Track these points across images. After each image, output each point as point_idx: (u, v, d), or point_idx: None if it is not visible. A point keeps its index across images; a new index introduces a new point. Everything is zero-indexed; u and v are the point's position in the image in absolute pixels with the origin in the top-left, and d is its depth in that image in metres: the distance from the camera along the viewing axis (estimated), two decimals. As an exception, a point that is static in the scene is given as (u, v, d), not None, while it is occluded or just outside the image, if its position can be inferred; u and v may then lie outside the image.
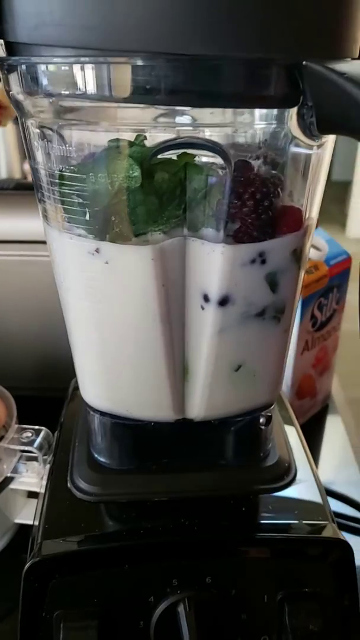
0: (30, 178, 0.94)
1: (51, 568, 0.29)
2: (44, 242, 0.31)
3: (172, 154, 0.26)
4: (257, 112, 0.26)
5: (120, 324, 0.28)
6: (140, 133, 0.26)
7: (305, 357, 0.57)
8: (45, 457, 0.42)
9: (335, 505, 0.50)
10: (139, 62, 0.22)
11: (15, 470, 0.43)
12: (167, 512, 0.31)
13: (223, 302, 0.27)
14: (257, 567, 0.30)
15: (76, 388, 0.40)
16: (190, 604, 0.29)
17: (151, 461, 0.33)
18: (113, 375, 0.31)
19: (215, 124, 0.26)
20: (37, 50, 0.23)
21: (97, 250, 0.26)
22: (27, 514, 0.46)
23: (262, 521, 0.31)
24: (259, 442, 0.34)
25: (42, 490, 0.36)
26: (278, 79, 0.23)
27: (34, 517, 0.35)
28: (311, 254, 0.53)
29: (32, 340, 0.58)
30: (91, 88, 0.23)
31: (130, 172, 0.25)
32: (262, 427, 0.34)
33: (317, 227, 0.31)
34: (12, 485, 0.43)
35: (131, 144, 0.25)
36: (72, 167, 0.26)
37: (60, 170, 0.26)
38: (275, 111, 0.26)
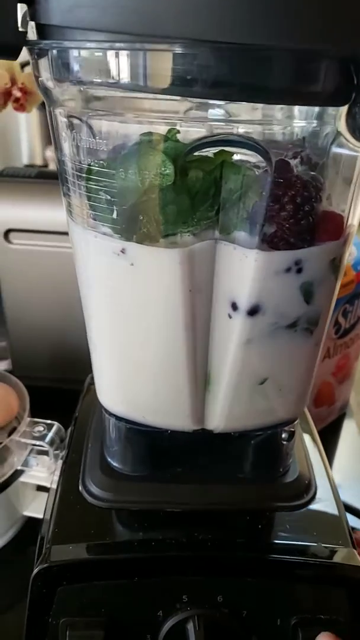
0: (52, 165, 0.93)
1: (59, 575, 0.28)
2: (65, 233, 0.29)
3: (207, 152, 0.24)
4: (300, 108, 0.24)
5: (142, 328, 0.27)
6: (173, 127, 0.24)
7: (325, 364, 0.55)
8: (56, 452, 0.41)
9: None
10: (180, 50, 0.20)
11: (25, 463, 0.43)
12: (181, 524, 0.30)
13: (252, 311, 0.26)
14: (271, 589, 0.28)
15: (92, 382, 0.39)
16: (199, 622, 0.27)
17: (166, 470, 0.32)
18: (131, 379, 0.30)
19: (251, 120, 0.25)
20: (70, 34, 0.21)
21: (122, 251, 0.25)
22: (36, 507, 0.45)
23: (279, 541, 0.30)
24: (279, 458, 0.33)
25: (54, 486, 0.35)
26: (330, 73, 0.21)
27: (44, 514, 0.34)
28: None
29: (51, 331, 0.57)
30: (125, 77, 0.21)
31: (163, 169, 0.23)
32: (284, 443, 0.32)
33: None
34: (22, 479, 0.43)
35: (165, 138, 0.24)
36: (100, 161, 0.24)
37: (89, 164, 0.25)
38: (317, 108, 0.24)
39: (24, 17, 0.23)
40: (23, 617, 0.28)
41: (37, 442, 0.42)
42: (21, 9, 0.22)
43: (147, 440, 0.31)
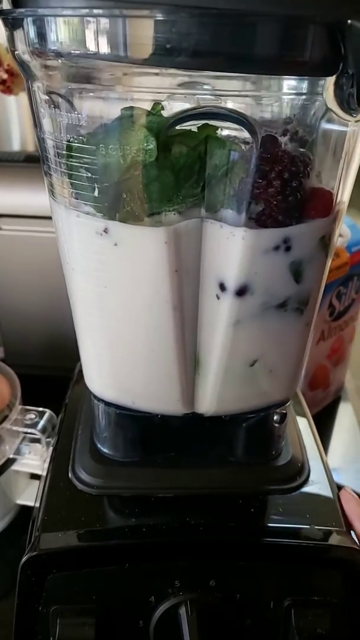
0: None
1: (49, 563, 0.28)
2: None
3: (191, 125, 0.24)
4: (289, 82, 0.24)
5: (128, 311, 0.26)
6: (158, 102, 0.24)
7: (320, 347, 0.55)
8: (48, 439, 0.41)
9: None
10: (160, 16, 0.19)
11: (18, 451, 0.42)
12: (172, 509, 0.30)
13: (241, 291, 0.25)
14: (264, 572, 0.28)
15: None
16: (192, 607, 0.27)
17: (156, 455, 0.32)
18: (119, 364, 0.29)
19: (238, 92, 0.24)
20: (45, 1, 0.21)
21: (105, 231, 0.24)
22: (29, 496, 0.45)
23: (272, 524, 0.29)
24: (271, 440, 0.32)
25: (44, 474, 0.34)
26: (317, 41, 0.20)
27: (35, 501, 0.34)
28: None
29: (39, 318, 0.56)
30: (104, 46, 0.20)
31: (145, 144, 0.22)
32: (276, 425, 0.32)
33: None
34: (15, 467, 0.42)
35: (147, 113, 0.23)
36: (81, 137, 0.23)
37: (68, 141, 0.24)
38: (306, 81, 0.23)
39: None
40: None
41: (29, 430, 0.41)
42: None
43: (136, 426, 0.31)
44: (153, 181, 0.23)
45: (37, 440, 0.42)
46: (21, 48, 0.23)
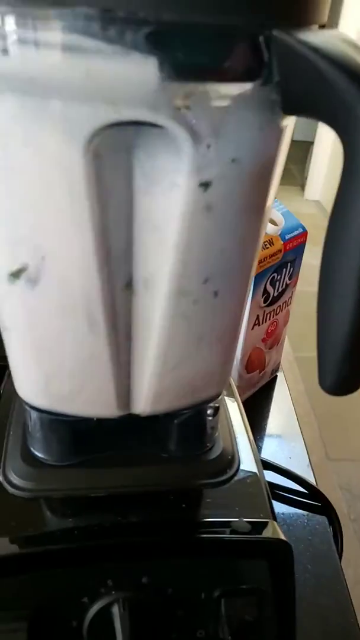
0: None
1: (-24, 571, 0.27)
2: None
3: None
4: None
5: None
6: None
7: (255, 331, 0.56)
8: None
9: (276, 478, 0.51)
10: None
11: None
12: (104, 509, 0.30)
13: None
14: (195, 566, 0.29)
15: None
16: (125, 605, 0.28)
17: (90, 455, 0.32)
18: (48, 367, 0.28)
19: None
20: None
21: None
22: None
23: (202, 519, 0.30)
24: (204, 435, 0.33)
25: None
26: (239, 50, 0.19)
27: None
28: (267, 228, 0.50)
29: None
30: None
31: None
32: (209, 418, 0.32)
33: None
34: None
35: None
36: None
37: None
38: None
39: None
40: None
41: None
42: None
43: (69, 429, 0.31)
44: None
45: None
46: None
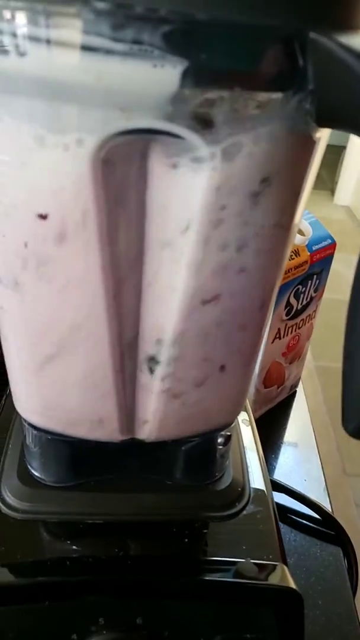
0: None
1: None
2: None
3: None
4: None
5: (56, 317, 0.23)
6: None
7: (275, 345, 0.53)
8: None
9: (289, 501, 0.48)
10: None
11: None
12: (101, 537, 0.28)
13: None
14: (195, 609, 0.27)
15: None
16: (117, 645, 0.26)
17: (90, 478, 0.30)
18: (48, 386, 0.26)
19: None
20: None
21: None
22: None
23: (205, 557, 0.28)
24: (213, 463, 0.31)
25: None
26: (272, 54, 0.17)
27: None
28: (294, 238, 0.48)
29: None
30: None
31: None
32: (220, 447, 0.30)
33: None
34: None
35: None
36: None
37: None
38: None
39: None
40: None
41: None
42: None
43: (69, 450, 0.29)
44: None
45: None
46: None
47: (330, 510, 0.48)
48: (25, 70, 0.17)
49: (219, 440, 0.30)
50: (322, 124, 0.19)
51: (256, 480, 0.32)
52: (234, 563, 0.27)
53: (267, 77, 0.17)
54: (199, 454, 0.30)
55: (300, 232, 0.50)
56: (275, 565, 0.27)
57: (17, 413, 0.31)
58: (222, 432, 0.30)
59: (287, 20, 0.16)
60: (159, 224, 0.21)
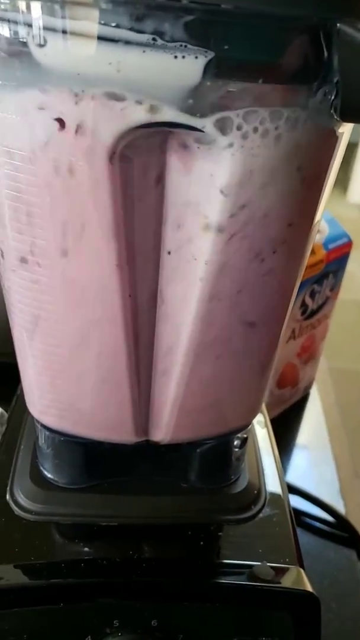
0: None
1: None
2: None
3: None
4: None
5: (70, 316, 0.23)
6: None
7: (290, 345, 0.53)
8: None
9: (302, 504, 0.47)
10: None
11: None
12: (115, 540, 0.28)
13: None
14: (210, 612, 0.26)
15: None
16: (131, 648, 0.25)
17: (104, 480, 0.29)
18: (62, 387, 0.26)
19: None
20: None
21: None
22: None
23: (220, 560, 0.27)
24: (228, 466, 0.30)
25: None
26: (297, 45, 0.16)
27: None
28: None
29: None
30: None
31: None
32: (235, 450, 0.30)
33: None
34: None
35: None
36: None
37: None
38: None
39: None
40: None
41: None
42: None
43: (82, 451, 0.28)
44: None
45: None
46: None
47: (343, 512, 0.48)
48: (45, 62, 0.17)
49: (235, 442, 0.30)
50: (347, 118, 0.19)
51: (272, 483, 0.32)
52: (250, 566, 0.27)
53: (291, 69, 0.17)
54: (215, 457, 0.30)
55: (316, 231, 0.49)
56: (291, 568, 0.27)
57: (29, 414, 0.30)
58: (239, 435, 0.30)
59: (314, 10, 0.16)
60: (177, 221, 0.21)
